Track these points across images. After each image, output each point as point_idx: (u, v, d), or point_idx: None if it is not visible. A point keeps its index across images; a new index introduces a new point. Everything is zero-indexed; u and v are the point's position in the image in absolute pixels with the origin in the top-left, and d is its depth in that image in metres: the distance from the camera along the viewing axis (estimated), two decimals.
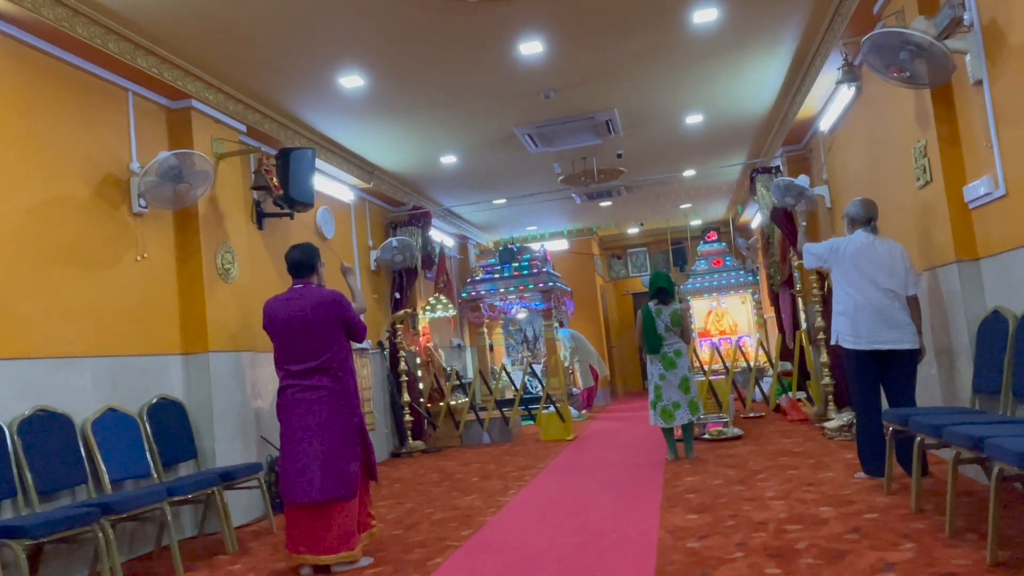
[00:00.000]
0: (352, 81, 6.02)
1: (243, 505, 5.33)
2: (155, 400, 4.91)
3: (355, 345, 7.46)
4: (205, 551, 4.61)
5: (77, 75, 4.70)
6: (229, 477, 4.70)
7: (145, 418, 4.78)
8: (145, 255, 5.07)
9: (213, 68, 5.51)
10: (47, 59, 4.48)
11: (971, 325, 4.19)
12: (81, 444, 4.26)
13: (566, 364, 11.64)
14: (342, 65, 5.74)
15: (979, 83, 3.96)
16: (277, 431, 6.09)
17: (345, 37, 5.30)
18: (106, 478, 4.32)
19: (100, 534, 3.63)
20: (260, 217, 6.47)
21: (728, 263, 12.51)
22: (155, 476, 4.70)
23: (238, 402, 5.54)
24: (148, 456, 4.69)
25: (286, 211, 6.42)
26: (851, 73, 5.34)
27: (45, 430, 4.04)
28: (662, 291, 6.29)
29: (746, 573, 3.11)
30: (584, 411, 11.65)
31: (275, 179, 6.13)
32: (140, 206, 5.02)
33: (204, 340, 5.32)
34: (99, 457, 4.32)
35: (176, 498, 4.26)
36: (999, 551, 2.88)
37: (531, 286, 11.53)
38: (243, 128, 6.14)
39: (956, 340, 4.42)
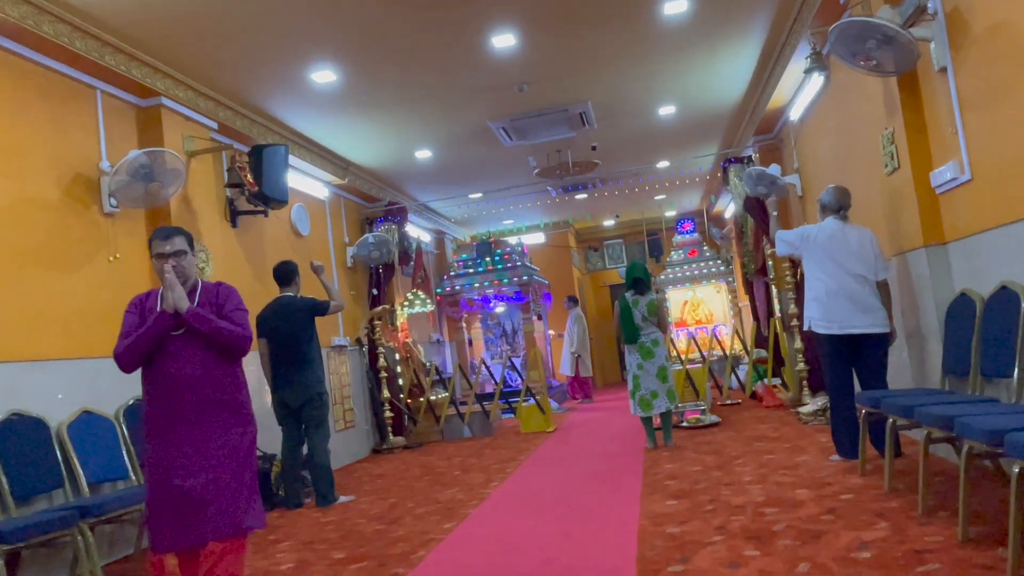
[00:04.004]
0: (324, 76, 5.99)
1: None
2: (132, 401, 4.86)
3: (339, 342, 7.29)
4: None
5: (43, 74, 4.63)
6: None
7: (122, 420, 4.73)
8: (117, 255, 5.02)
9: (183, 65, 5.45)
10: (12, 58, 4.40)
11: (940, 308, 4.28)
12: (57, 447, 4.21)
13: (573, 349, 11.70)
14: (313, 60, 5.70)
15: (943, 70, 4.04)
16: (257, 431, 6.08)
17: (316, 31, 5.27)
18: (83, 481, 4.27)
19: (79, 537, 3.60)
20: (234, 215, 6.42)
21: (703, 253, 12.63)
22: (133, 478, 4.65)
23: None
24: (126, 458, 4.64)
25: (260, 208, 6.37)
26: (819, 62, 5.41)
27: (20, 434, 3.99)
28: (639, 281, 6.34)
29: (725, 556, 3.16)
30: (579, 399, 11.79)
31: (248, 176, 6.08)
32: (111, 206, 4.96)
33: None
34: (76, 460, 4.27)
35: None
36: (970, 527, 2.96)
37: (509, 280, 11.56)
38: (214, 125, 6.08)
39: (925, 323, 4.51)
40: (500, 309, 12.63)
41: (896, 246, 4.82)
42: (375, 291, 9.05)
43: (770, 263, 8.25)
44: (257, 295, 6.27)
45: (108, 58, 4.87)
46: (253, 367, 6.06)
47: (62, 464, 4.19)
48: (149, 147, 5.12)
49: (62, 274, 4.57)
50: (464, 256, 12.20)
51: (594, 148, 9.01)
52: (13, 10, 4.12)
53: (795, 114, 7.35)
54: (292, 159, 6.94)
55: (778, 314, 8.29)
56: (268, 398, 5.92)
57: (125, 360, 2.98)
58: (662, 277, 12.53)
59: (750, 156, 8.79)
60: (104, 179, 4.94)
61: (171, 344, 3.00)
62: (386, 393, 8.50)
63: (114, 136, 5.14)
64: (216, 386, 3.00)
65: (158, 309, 3.02)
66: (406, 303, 9.88)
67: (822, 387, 6.93)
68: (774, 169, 7.09)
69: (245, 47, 5.32)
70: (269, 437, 6.08)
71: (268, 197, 6.11)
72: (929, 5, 4.05)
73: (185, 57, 5.33)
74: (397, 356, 9.29)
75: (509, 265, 11.70)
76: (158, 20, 4.76)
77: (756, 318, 9.52)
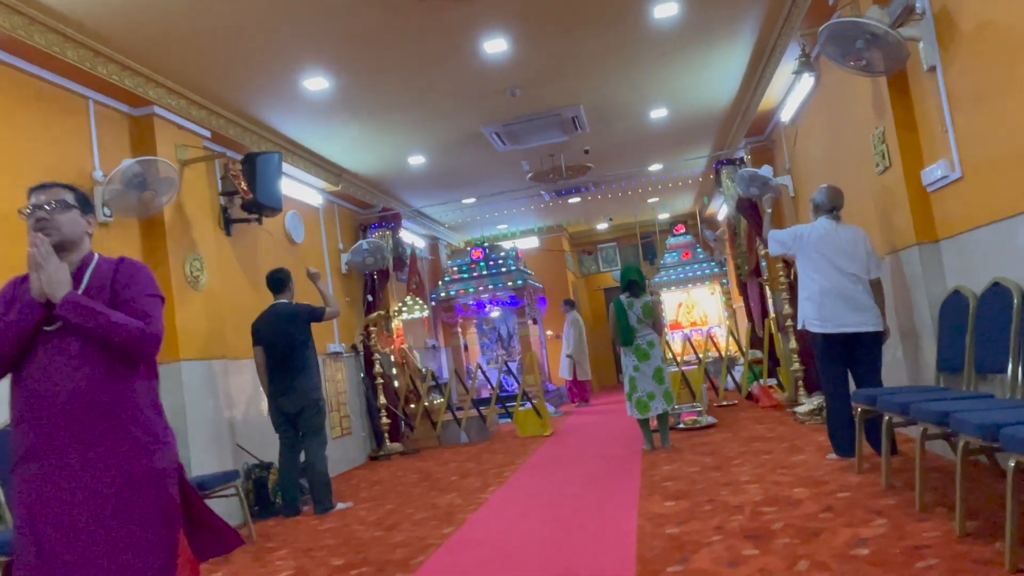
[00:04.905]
0: (316, 83, 5.99)
1: (221, 513, 5.22)
2: None
3: (335, 348, 7.16)
4: None
5: (36, 84, 4.62)
6: (206, 486, 4.64)
7: None
8: None
9: (175, 74, 5.44)
10: (3, 68, 4.39)
11: (933, 305, 4.30)
12: None
13: (569, 353, 11.71)
14: (306, 67, 5.71)
15: (932, 69, 4.07)
16: (253, 439, 6.08)
17: (308, 39, 5.27)
18: None
19: None
20: (228, 223, 6.41)
21: (697, 255, 12.66)
22: None
23: (212, 411, 5.48)
24: None
25: (254, 216, 6.36)
26: (808, 63, 5.44)
27: None
28: (633, 284, 6.36)
29: (724, 555, 3.17)
30: (576, 403, 11.78)
31: (242, 184, 6.08)
32: (105, 215, 4.95)
33: (175, 349, 5.26)
34: None
35: None
36: (967, 522, 2.97)
37: (503, 284, 11.57)
38: (207, 134, 6.08)
39: (919, 321, 4.54)
40: (495, 314, 12.63)
41: (888, 244, 4.84)
42: (370, 297, 9.05)
43: (764, 264, 8.27)
44: (252, 303, 6.27)
45: (100, 68, 4.87)
46: (247, 375, 6.06)
47: None
48: (142, 156, 5.12)
49: None
50: (458, 261, 12.20)
51: (586, 152, 9.03)
52: (4, 20, 4.11)
53: (786, 115, 7.38)
54: (285, 167, 6.94)
55: (772, 314, 8.32)
56: (264, 406, 5.91)
57: None
58: (656, 279, 12.55)
59: (742, 158, 8.83)
60: (97, 188, 4.92)
61: (43, 345, 2.14)
62: (382, 399, 8.48)
63: (107, 146, 5.14)
64: (110, 404, 2.14)
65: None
66: (402, 309, 9.88)
67: (818, 387, 6.95)
68: (766, 170, 7.13)
69: (237, 56, 5.33)
70: (266, 445, 6.08)
71: (262, 205, 6.12)
72: (917, 5, 4.09)
73: (177, 66, 5.33)
74: (393, 362, 9.29)
75: (503, 270, 11.70)
76: (150, 30, 4.76)
77: (751, 319, 9.55)
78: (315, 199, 8.37)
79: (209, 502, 4.79)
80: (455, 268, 12.07)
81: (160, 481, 2.21)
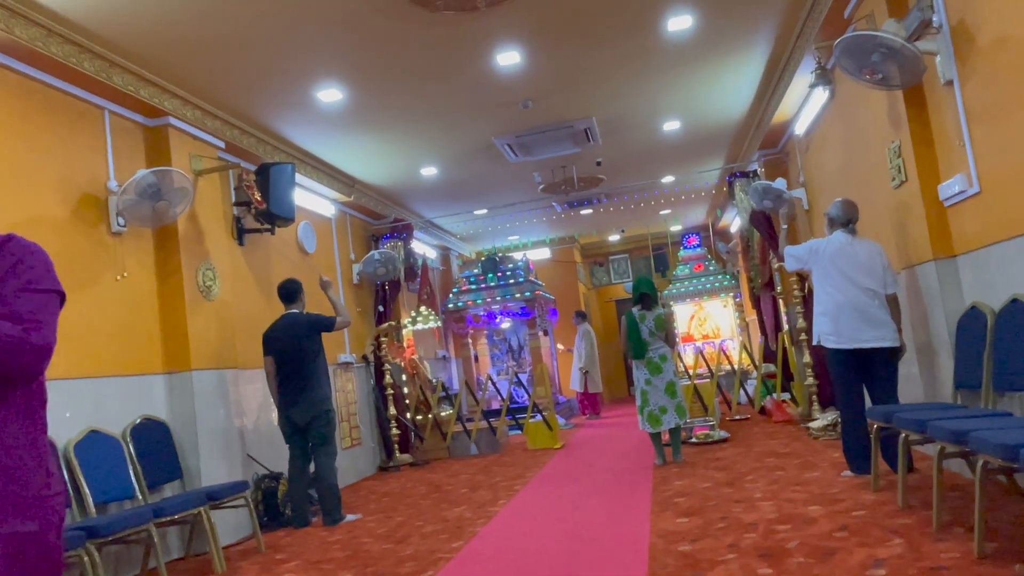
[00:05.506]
0: (330, 95, 6.01)
1: (231, 524, 5.26)
2: (139, 420, 4.86)
3: (346, 359, 7.16)
4: (193, 572, 4.56)
5: (52, 94, 4.66)
6: (215, 496, 4.65)
7: (129, 439, 4.73)
8: (125, 274, 5.02)
9: (190, 85, 5.48)
10: (21, 79, 4.43)
11: (950, 321, 4.25)
12: (64, 467, 4.20)
13: (580, 365, 11.66)
14: (320, 79, 5.73)
15: (950, 83, 4.04)
16: (263, 449, 6.08)
17: (322, 51, 5.30)
18: (90, 501, 4.25)
19: (86, 558, 3.57)
20: (241, 233, 6.43)
21: (709, 267, 12.61)
22: (140, 498, 4.64)
23: (222, 420, 5.48)
24: (132, 477, 4.63)
25: (267, 227, 6.38)
26: (824, 76, 5.42)
27: None
28: (645, 296, 6.32)
29: (738, 574, 3.12)
30: (587, 415, 11.72)
31: (255, 195, 6.11)
32: (119, 225, 4.97)
33: (187, 359, 5.27)
34: (82, 480, 4.25)
35: (162, 519, 4.21)
36: (986, 543, 2.91)
37: (514, 295, 11.55)
38: (221, 144, 6.11)
39: (936, 337, 4.48)
40: (506, 325, 12.61)
41: (905, 259, 4.80)
42: (381, 308, 9.05)
43: (777, 277, 8.22)
44: (263, 313, 6.29)
45: (116, 78, 4.90)
46: (258, 385, 6.05)
47: (69, 484, 4.18)
48: (157, 166, 5.15)
49: (69, 293, 4.51)
50: (470, 272, 12.20)
51: (599, 164, 9.02)
52: (23, 31, 4.15)
53: (800, 128, 7.35)
54: (299, 177, 6.96)
55: (786, 328, 8.25)
56: (275, 416, 5.91)
57: None
58: (668, 292, 12.50)
59: (755, 170, 8.79)
60: (112, 198, 4.95)
61: None
62: (392, 410, 8.47)
63: (122, 156, 5.17)
64: None
65: None
66: (415, 319, 9.87)
67: (832, 402, 6.87)
68: (780, 183, 7.09)
69: (252, 67, 5.36)
70: (276, 455, 6.07)
71: (275, 215, 6.14)
72: (934, 19, 4.05)
73: (192, 77, 5.36)
74: (404, 372, 9.28)
75: (514, 281, 11.69)
76: (166, 41, 4.80)
77: (764, 332, 9.48)
78: (328, 209, 8.40)
79: (218, 512, 4.81)
80: (466, 279, 12.07)
81: (35, 548, 1.50)
